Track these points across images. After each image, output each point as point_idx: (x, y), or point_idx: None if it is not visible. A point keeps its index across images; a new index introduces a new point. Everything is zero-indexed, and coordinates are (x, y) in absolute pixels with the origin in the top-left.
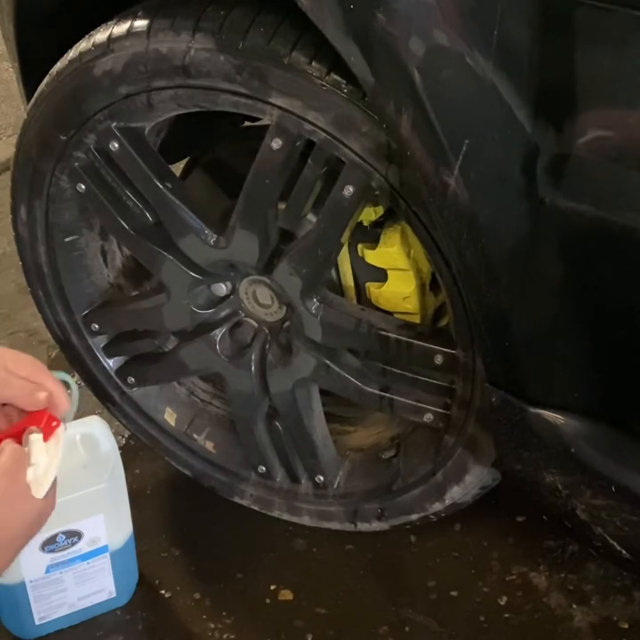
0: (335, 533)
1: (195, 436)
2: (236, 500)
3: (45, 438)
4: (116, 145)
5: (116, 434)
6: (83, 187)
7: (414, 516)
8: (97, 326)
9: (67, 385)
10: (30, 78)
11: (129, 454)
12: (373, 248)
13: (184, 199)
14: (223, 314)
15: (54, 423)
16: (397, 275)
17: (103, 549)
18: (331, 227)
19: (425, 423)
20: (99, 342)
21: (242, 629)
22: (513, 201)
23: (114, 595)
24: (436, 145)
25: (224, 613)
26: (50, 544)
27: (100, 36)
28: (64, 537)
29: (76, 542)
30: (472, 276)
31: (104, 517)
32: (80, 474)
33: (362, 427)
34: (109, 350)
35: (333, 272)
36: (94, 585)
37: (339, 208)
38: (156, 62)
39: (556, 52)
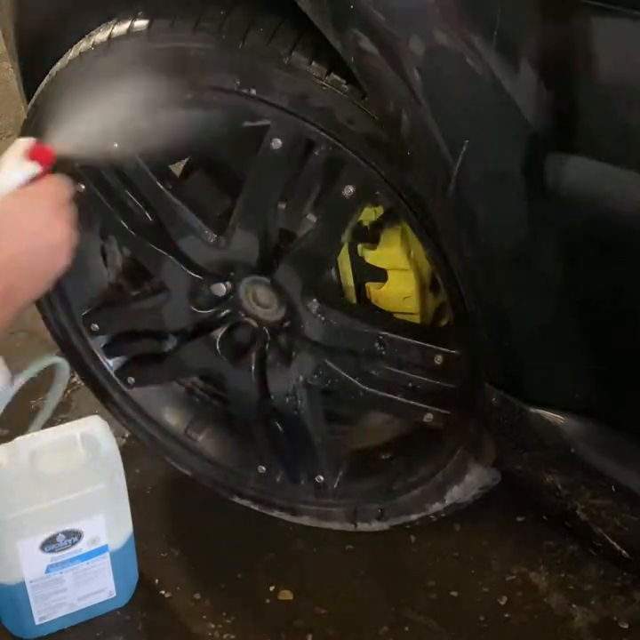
0: (335, 533)
1: (195, 435)
2: (236, 500)
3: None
4: (116, 145)
5: (116, 434)
6: (83, 187)
7: (414, 516)
8: (97, 326)
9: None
10: (30, 78)
11: (129, 454)
12: (373, 248)
13: (184, 199)
14: (223, 314)
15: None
16: (397, 275)
17: (103, 549)
18: (331, 227)
19: (425, 423)
20: (99, 342)
21: (242, 629)
22: (513, 201)
23: (114, 595)
24: (436, 145)
25: (224, 613)
26: (50, 544)
27: (100, 36)
28: (64, 537)
29: (75, 542)
30: (472, 277)
31: (104, 517)
32: (80, 474)
33: (362, 427)
34: (109, 350)
35: (333, 272)
36: (94, 585)
37: (339, 208)
38: (156, 62)
39: (556, 51)
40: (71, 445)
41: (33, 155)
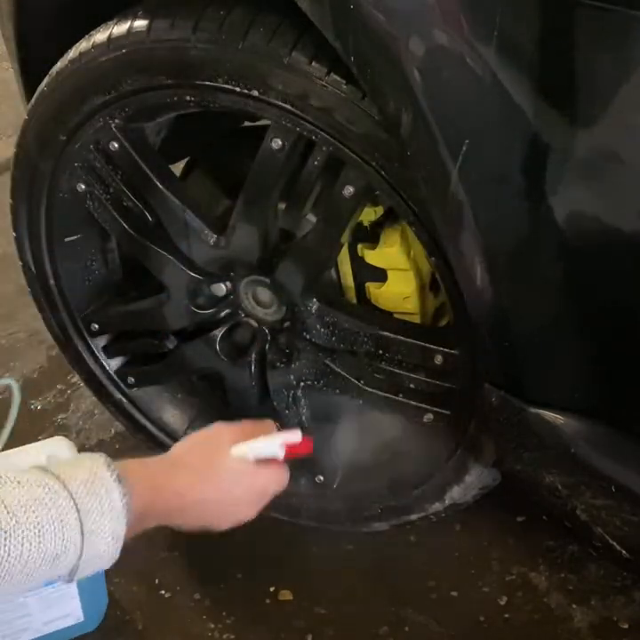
0: (335, 533)
1: None
2: None
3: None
4: (116, 145)
5: (115, 434)
6: (83, 187)
7: (414, 516)
8: (97, 326)
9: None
10: (30, 78)
11: (129, 454)
12: (373, 248)
13: (184, 199)
14: (223, 314)
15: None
16: (397, 275)
17: None
18: (331, 227)
19: (425, 423)
20: (99, 342)
21: (242, 629)
22: (513, 201)
23: (82, 619)
24: (436, 145)
25: (224, 613)
26: None
27: (100, 36)
28: None
29: None
30: (472, 277)
31: None
32: None
33: (361, 426)
34: (109, 350)
35: (333, 272)
36: (60, 610)
37: (339, 208)
38: (156, 62)
39: (556, 51)
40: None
41: (288, 444)
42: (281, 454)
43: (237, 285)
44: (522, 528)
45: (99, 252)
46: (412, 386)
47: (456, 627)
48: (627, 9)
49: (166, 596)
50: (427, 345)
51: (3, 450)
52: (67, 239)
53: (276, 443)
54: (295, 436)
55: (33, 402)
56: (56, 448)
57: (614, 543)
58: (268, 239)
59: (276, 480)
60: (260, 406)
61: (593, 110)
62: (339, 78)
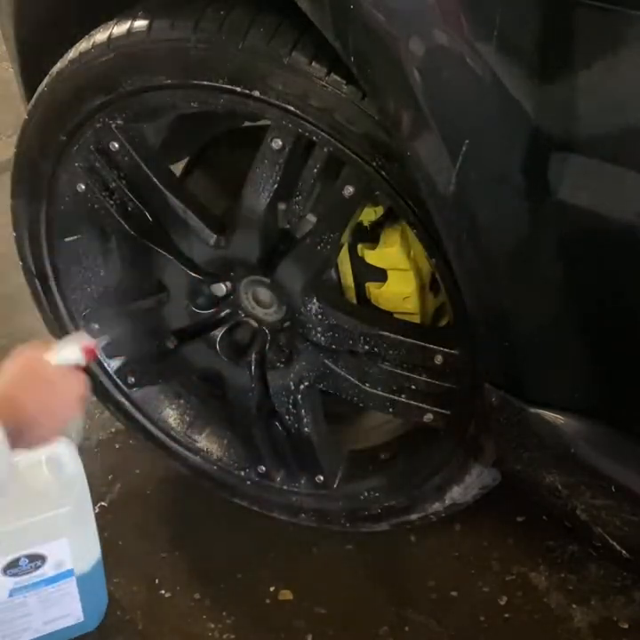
0: (335, 533)
1: (195, 436)
2: (237, 500)
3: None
4: (116, 145)
5: (116, 434)
6: (83, 187)
7: (414, 516)
8: (97, 326)
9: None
10: (30, 78)
11: (129, 454)
12: (373, 248)
13: (184, 199)
14: (223, 314)
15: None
16: (397, 275)
17: (69, 573)
18: (331, 227)
19: (425, 423)
20: (99, 342)
21: (242, 629)
22: (513, 201)
23: (82, 619)
24: (436, 145)
25: (224, 613)
26: (12, 568)
27: (100, 36)
28: (27, 560)
29: (39, 566)
30: (472, 277)
31: (69, 541)
32: (44, 496)
33: (362, 427)
34: (109, 350)
35: (333, 272)
36: (61, 609)
37: (339, 208)
38: (156, 62)
39: (556, 51)
40: (35, 467)
41: (85, 349)
42: (80, 360)
43: (237, 285)
44: (522, 528)
45: (99, 252)
46: (412, 386)
47: (456, 627)
48: (627, 9)
49: (166, 595)
50: (427, 345)
51: None
52: (67, 239)
53: (76, 350)
54: (84, 338)
55: None
56: (56, 448)
57: (614, 543)
58: (267, 239)
59: (82, 380)
60: (260, 406)
61: (593, 110)
62: (339, 78)
